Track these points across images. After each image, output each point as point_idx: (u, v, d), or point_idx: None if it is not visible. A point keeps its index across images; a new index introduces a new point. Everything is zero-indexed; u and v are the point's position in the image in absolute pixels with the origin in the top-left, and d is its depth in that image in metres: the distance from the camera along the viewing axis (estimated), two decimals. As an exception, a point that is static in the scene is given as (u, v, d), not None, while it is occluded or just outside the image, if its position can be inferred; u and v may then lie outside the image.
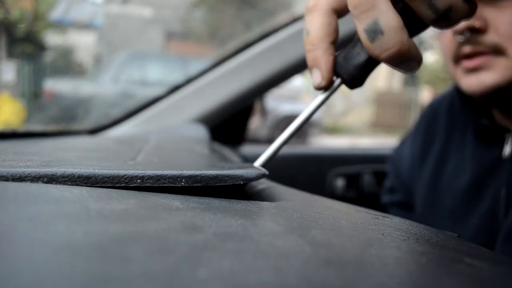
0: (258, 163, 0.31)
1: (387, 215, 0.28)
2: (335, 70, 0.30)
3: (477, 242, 0.47)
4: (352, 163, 0.91)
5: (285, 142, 0.32)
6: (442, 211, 0.52)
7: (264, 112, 5.48)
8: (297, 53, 0.74)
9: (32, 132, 0.61)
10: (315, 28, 0.29)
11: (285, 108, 5.96)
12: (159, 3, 8.24)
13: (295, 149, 0.98)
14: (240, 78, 0.74)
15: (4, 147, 0.38)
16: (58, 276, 0.10)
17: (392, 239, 0.19)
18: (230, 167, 0.27)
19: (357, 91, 10.17)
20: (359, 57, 0.29)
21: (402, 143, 0.66)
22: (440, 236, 0.22)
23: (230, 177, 0.25)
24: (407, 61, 0.26)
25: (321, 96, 0.31)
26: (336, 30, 0.30)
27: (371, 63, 0.29)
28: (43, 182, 0.22)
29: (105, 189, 0.21)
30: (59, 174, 0.22)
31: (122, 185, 0.23)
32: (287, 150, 0.97)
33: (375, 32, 0.25)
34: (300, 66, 0.76)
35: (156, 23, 8.08)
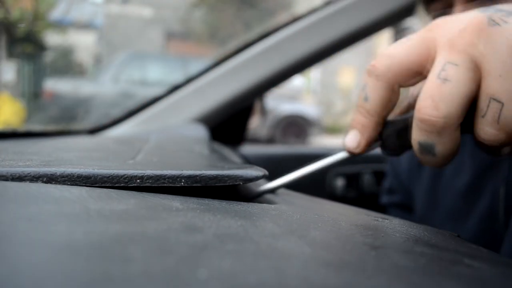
0: (264, 187, 0.31)
1: (387, 216, 0.28)
2: (383, 144, 0.30)
3: (478, 242, 0.47)
4: (352, 163, 0.91)
5: (295, 179, 0.31)
6: (442, 212, 0.52)
7: (264, 112, 5.49)
8: (297, 53, 0.74)
9: (32, 132, 0.61)
10: (375, 99, 0.27)
11: (285, 108, 5.96)
12: (159, 3, 8.24)
13: (295, 149, 0.98)
14: (240, 78, 0.74)
15: (4, 147, 0.38)
16: (58, 276, 0.10)
17: (392, 241, 0.19)
18: (230, 167, 0.27)
19: (357, 91, 10.15)
20: (405, 141, 0.28)
21: None
22: (440, 237, 0.22)
23: (229, 177, 0.25)
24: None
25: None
26: (395, 104, 0.29)
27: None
28: (43, 181, 0.22)
29: (105, 189, 0.21)
30: (58, 174, 0.22)
31: (122, 185, 0.23)
32: (287, 150, 0.97)
33: (427, 150, 0.25)
34: (300, 66, 0.76)
35: (156, 23, 8.08)
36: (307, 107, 6.57)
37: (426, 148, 0.25)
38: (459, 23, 0.25)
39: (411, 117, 0.27)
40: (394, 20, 0.75)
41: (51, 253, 0.12)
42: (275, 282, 0.12)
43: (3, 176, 0.22)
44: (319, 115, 6.45)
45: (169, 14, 8.17)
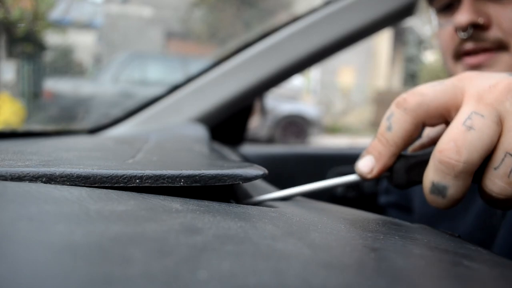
0: (264, 197, 0.31)
1: (386, 218, 0.28)
2: (393, 175, 0.30)
3: (475, 237, 0.46)
4: (352, 163, 0.91)
5: (299, 194, 0.32)
6: (440, 210, 0.52)
7: (264, 111, 5.49)
8: (297, 53, 0.74)
9: (32, 132, 0.61)
10: (399, 131, 0.28)
11: (285, 108, 5.96)
12: (159, 3, 8.24)
13: (295, 148, 0.98)
14: (240, 78, 0.74)
15: (3, 146, 0.38)
16: (57, 277, 0.10)
17: (391, 243, 0.19)
18: (229, 166, 0.27)
19: (357, 91, 10.17)
20: (414, 177, 0.29)
21: None
22: (439, 238, 0.22)
23: (229, 176, 0.25)
24: None
25: (355, 176, 0.31)
26: (414, 140, 0.30)
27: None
28: (42, 181, 0.22)
29: (104, 190, 0.21)
30: (57, 174, 0.22)
31: (121, 185, 0.23)
32: (286, 149, 0.97)
33: (438, 191, 0.26)
34: (300, 66, 0.76)
35: (156, 23, 8.08)
36: (307, 107, 6.57)
37: (439, 189, 0.26)
38: (490, 79, 0.27)
39: (425, 156, 0.28)
40: (393, 20, 0.75)
41: (51, 254, 0.12)
42: (274, 284, 0.12)
43: (2, 176, 0.22)
44: (318, 115, 6.45)
45: (169, 14, 8.17)
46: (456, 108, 0.27)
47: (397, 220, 0.28)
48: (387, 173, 0.30)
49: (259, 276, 0.12)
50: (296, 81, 6.60)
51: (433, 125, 0.29)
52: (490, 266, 0.18)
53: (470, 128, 0.25)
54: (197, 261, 0.13)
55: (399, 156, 0.30)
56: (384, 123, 0.29)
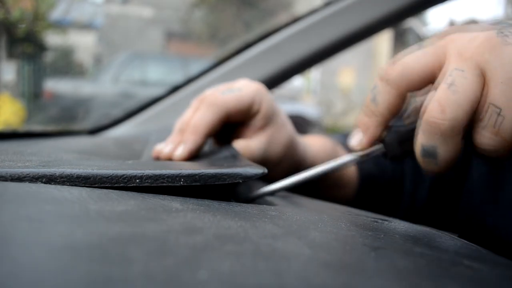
0: (264, 189, 0.31)
1: (386, 218, 0.28)
2: (385, 146, 0.30)
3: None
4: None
5: (296, 183, 0.31)
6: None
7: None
8: (298, 53, 0.74)
9: (32, 132, 0.61)
10: (383, 102, 0.29)
11: (285, 108, 5.94)
12: (159, 3, 8.24)
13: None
14: (240, 78, 0.74)
15: (3, 147, 0.38)
16: (58, 277, 0.10)
17: (391, 242, 0.19)
18: (229, 165, 0.27)
19: (357, 91, 10.18)
20: (407, 148, 0.29)
21: None
22: (439, 238, 0.22)
23: (228, 175, 0.25)
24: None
25: (354, 155, 0.31)
26: (401, 109, 0.30)
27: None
28: (42, 182, 0.22)
29: (104, 190, 0.21)
30: (57, 174, 0.22)
31: (121, 185, 0.23)
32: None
33: (429, 154, 0.26)
34: (300, 67, 0.76)
35: (156, 23, 8.08)
36: (307, 108, 6.56)
37: (429, 151, 0.26)
38: (470, 35, 0.26)
39: (415, 124, 0.28)
40: (394, 21, 0.75)
41: (51, 254, 0.12)
42: (274, 283, 0.12)
43: (2, 176, 0.22)
44: (319, 116, 6.45)
45: (169, 14, 8.17)
46: (440, 69, 0.27)
47: (397, 220, 0.28)
48: (381, 147, 0.30)
49: (259, 276, 0.12)
50: (297, 81, 6.60)
51: (420, 89, 0.29)
52: (491, 265, 0.18)
53: (451, 85, 0.25)
54: (197, 261, 0.13)
55: (391, 129, 0.30)
56: (369, 95, 0.30)
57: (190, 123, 0.38)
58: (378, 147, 0.31)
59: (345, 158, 0.31)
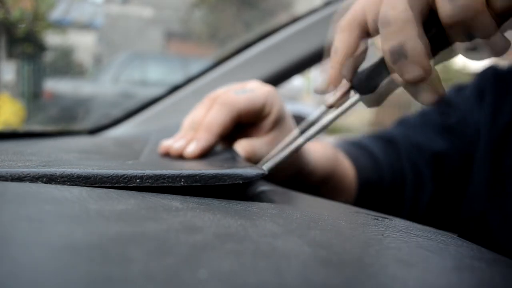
0: (263, 166, 0.32)
1: (386, 216, 0.28)
2: (354, 86, 0.31)
3: None
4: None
5: (296, 150, 0.32)
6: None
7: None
8: (297, 53, 0.74)
9: (32, 132, 0.61)
10: (342, 47, 0.30)
11: (285, 108, 5.94)
12: (159, 3, 8.24)
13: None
14: (240, 79, 0.74)
15: (4, 147, 0.38)
16: (58, 277, 0.10)
17: (392, 240, 0.19)
18: (229, 166, 0.27)
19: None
20: (380, 75, 0.30)
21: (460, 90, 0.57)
22: (440, 237, 0.22)
23: (229, 176, 0.25)
24: (426, 90, 0.27)
25: (335, 111, 0.32)
26: (362, 51, 0.31)
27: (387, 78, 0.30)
28: (42, 182, 0.22)
29: (104, 190, 0.21)
30: (58, 174, 0.22)
31: (121, 185, 0.23)
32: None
33: (399, 54, 0.25)
34: (300, 67, 0.76)
35: (156, 23, 8.08)
36: (307, 107, 6.56)
37: (397, 52, 0.25)
38: None
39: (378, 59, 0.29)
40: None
41: (51, 254, 0.12)
42: (275, 282, 0.12)
43: (2, 176, 0.22)
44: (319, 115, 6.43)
45: (169, 14, 8.17)
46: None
47: (398, 219, 0.28)
48: (353, 90, 0.31)
49: (259, 275, 0.12)
50: (297, 81, 6.60)
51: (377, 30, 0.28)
52: (491, 264, 0.18)
53: None
54: (197, 260, 0.13)
55: (356, 73, 0.31)
56: (332, 51, 0.31)
57: (203, 121, 0.37)
58: (350, 92, 0.31)
59: (331, 114, 0.32)
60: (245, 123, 0.40)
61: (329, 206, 0.29)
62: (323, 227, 0.20)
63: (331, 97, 0.32)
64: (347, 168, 0.53)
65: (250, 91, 0.39)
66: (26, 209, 0.16)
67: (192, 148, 0.36)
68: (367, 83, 0.30)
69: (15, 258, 0.11)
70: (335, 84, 0.31)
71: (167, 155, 0.37)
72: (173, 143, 0.37)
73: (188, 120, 0.40)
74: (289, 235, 0.17)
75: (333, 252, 0.16)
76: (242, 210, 0.21)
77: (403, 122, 0.61)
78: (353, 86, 0.31)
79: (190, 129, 0.38)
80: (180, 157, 0.36)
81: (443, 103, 0.57)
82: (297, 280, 0.12)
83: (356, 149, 0.58)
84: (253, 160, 0.38)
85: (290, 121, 0.42)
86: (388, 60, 0.26)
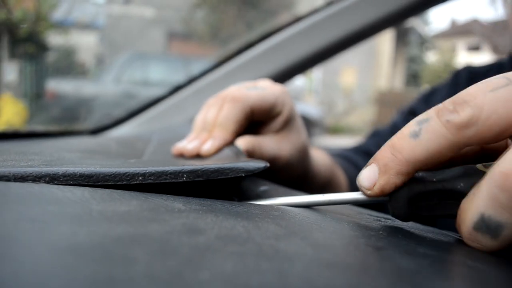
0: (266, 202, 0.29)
1: (389, 217, 0.28)
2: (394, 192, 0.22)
3: None
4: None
5: (300, 204, 0.26)
6: None
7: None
8: (299, 53, 0.74)
9: (34, 132, 0.61)
10: (429, 144, 0.20)
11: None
12: (161, 3, 8.25)
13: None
14: (242, 78, 0.74)
15: (6, 147, 0.38)
16: (60, 278, 0.10)
17: (395, 242, 0.19)
18: (231, 161, 0.27)
19: (359, 91, 10.16)
20: (420, 209, 0.22)
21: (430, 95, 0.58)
22: (442, 238, 0.22)
23: (231, 169, 0.24)
24: None
25: (359, 195, 0.24)
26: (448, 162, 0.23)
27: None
28: (45, 181, 0.22)
29: (107, 190, 0.21)
30: (60, 173, 0.22)
31: (124, 182, 0.23)
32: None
33: (489, 229, 0.19)
34: (302, 67, 0.76)
35: (158, 23, 8.09)
36: (309, 107, 6.56)
37: (489, 226, 0.19)
38: None
39: (446, 181, 0.21)
40: (396, 21, 0.75)
41: (54, 255, 0.12)
42: (277, 284, 0.12)
43: (5, 176, 0.22)
44: (321, 115, 6.44)
45: (171, 14, 8.18)
46: None
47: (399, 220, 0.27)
48: (386, 197, 0.23)
49: (262, 277, 0.12)
50: (298, 81, 6.60)
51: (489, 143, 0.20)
52: (494, 265, 0.18)
53: None
54: (200, 262, 0.13)
55: (411, 181, 0.22)
56: (410, 127, 0.21)
57: (217, 120, 0.37)
58: (385, 198, 0.23)
59: (355, 195, 0.24)
60: (256, 122, 0.39)
61: (331, 208, 0.29)
62: (325, 229, 0.20)
63: (368, 182, 0.22)
64: (341, 177, 0.55)
65: (261, 89, 0.38)
66: (29, 210, 0.16)
67: (207, 147, 0.35)
68: (407, 207, 0.22)
69: (18, 259, 0.11)
70: (384, 180, 0.21)
71: (180, 156, 0.37)
72: (186, 145, 0.37)
73: (200, 120, 0.39)
74: (292, 237, 0.17)
75: (336, 254, 0.16)
76: (245, 212, 0.21)
77: (375, 134, 0.66)
78: (390, 202, 0.23)
79: (203, 130, 0.38)
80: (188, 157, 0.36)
81: (408, 113, 0.61)
82: (300, 282, 0.12)
83: (342, 160, 0.61)
84: (257, 156, 0.37)
85: (300, 122, 0.42)
86: (468, 219, 0.20)
